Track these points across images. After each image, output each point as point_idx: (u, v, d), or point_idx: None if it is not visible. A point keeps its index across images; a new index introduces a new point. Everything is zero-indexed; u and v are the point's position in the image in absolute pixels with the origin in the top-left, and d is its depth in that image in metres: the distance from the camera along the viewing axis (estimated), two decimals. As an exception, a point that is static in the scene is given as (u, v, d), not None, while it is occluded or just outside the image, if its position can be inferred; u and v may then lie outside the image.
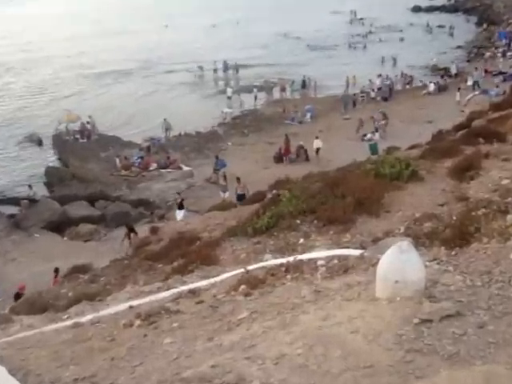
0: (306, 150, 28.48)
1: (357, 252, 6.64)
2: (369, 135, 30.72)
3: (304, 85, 44.73)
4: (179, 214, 20.39)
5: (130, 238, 16.94)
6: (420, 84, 43.18)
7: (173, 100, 41.97)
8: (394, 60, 51.23)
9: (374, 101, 39.68)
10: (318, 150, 28.09)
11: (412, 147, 18.23)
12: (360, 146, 28.12)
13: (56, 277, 15.07)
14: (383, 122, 31.57)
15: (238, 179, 21.43)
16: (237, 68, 50.63)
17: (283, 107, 38.67)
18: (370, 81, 41.50)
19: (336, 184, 10.63)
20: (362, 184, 10.50)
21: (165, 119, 34.19)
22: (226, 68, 50.80)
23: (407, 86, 43.38)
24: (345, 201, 10.06)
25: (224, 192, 22.42)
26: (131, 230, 17.14)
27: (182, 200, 21.05)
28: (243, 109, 40.31)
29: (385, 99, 39.50)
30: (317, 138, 28.37)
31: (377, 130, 31.08)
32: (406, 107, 36.45)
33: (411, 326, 3.71)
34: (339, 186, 10.49)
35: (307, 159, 28.35)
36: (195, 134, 34.25)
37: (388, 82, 41.81)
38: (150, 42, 63.45)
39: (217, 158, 27.33)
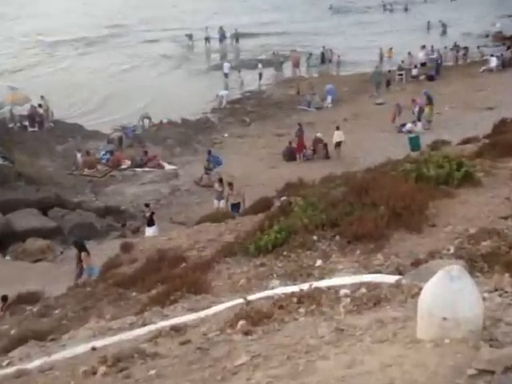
0: (325, 145, 28.56)
1: (392, 278, 6.58)
2: (408, 125, 30.75)
3: (324, 59, 44.86)
4: (149, 232, 20.40)
5: (80, 261, 16.64)
6: (478, 58, 43.17)
7: (154, 79, 42.11)
8: (444, 26, 51.32)
9: (415, 80, 39.74)
10: (338, 144, 28.16)
11: (466, 141, 18.21)
12: (397, 140, 28.13)
13: (3, 306, 14.93)
14: (427, 109, 31.57)
15: (231, 185, 21.55)
16: (236, 37, 50.82)
17: (297, 88, 38.76)
18: (409, 54, 41.56)
19: (365, 189, 10.63)
20: (400, 189, 10.52)
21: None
22: (222, 37, 50.99)
23: (460, 61, 43.39)
24: (376, 211, 10.07)
25: (219, 200, 22.50)
26: (81, 248, 16.89)
27: (153, 214, 21.04)
28: (244, 90, 40.44)
29: (430, 78, 39.55)
30: (337, 128, 28.42)
31: (419, 119, 31.12)
32: (459, 88, 36.47)
33: (464, 379, 3.66)
34: (369, 191, 10.49)
35: (327, 156, 28.43)
36: (181, 123, 34.37)
37: (434, 56, 41.89)
38: (126, 0, 63.72)
39: (209, 153, 27.44)
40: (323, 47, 45.25)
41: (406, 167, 11.70)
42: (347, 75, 41.93)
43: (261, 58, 45.03)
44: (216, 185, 23.27)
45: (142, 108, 34.76)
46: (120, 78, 42.08)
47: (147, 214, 21.09)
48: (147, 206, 21.78)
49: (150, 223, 20.75)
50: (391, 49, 44.00)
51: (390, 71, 40.13)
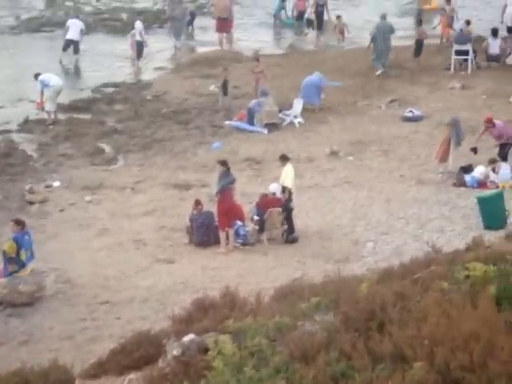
0: (286, 207, 16.30)
1: None
2: (479, 170, 17.30)
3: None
4: None
5: None
6: None
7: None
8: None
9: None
10: (287, 194, 16.51)
11: None
12: (450, 202, 16.11)
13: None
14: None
15: None
16: None
17: (223, 76, 21.55)
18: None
19: (379, 321, 6.49)
20: (460, 324, 6.21)
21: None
22: None
23: None
24: (405, 373, 5.82)
25: None
26: None
27: None
28: (101, 79, 24.32)
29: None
30: (284, 160, 16.78)
31: (504, 158, 17.58)
32: None
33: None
34: (387, 326, 6.39)
35: (290, 237, 16.11)
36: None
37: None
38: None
39: (22, 227, 13.75)
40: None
41: (474, 271, 7.31)
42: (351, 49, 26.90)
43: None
44: None
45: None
46: None
47: None
48: None
49: None
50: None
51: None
